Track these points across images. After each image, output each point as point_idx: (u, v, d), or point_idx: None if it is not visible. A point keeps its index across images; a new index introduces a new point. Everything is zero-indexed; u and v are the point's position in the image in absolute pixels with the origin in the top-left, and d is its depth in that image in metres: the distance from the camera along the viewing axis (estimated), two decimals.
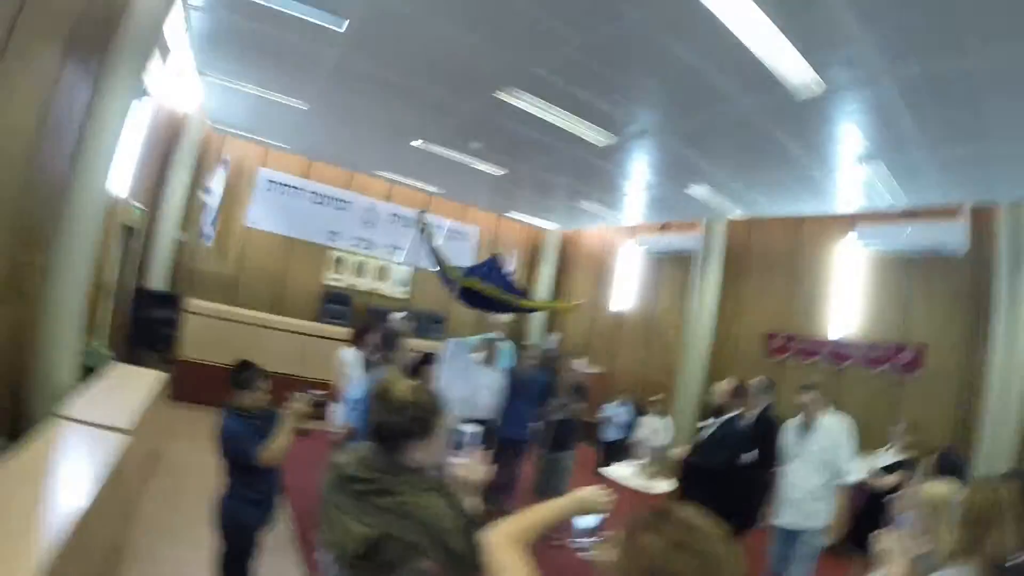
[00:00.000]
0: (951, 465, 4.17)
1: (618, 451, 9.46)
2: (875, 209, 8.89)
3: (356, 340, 6.43)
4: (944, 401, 8.45)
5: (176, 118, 9.59)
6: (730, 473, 5.48)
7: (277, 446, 3.55)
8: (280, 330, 9.95)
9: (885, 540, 2.86)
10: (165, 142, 9.66)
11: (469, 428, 2.67)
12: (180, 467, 6.28)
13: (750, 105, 6.07)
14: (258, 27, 6.24)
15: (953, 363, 8.44)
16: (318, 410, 3.94)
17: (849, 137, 6.44)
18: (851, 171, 7.42)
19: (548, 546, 5.74)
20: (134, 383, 5.88)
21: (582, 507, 1.92)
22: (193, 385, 8.43)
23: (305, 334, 10.08)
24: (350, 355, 6.29)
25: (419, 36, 5.82)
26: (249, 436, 3.56)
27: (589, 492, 1.95)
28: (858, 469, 5.66)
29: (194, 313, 9.31)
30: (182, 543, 4.75)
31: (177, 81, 7.97)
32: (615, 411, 9.84)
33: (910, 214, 8.70)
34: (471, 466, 2.32)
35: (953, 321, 8.54)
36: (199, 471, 5.60)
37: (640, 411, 9.87)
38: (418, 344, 6.73)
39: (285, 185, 12.35)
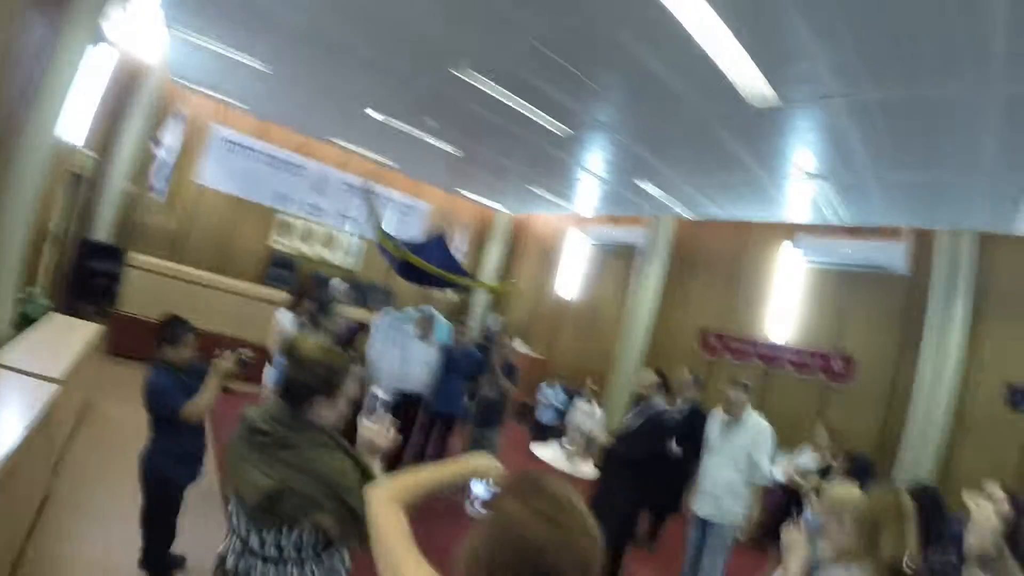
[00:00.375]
0: (861, 469, 4.41)
1: (551, 433, 9.67)
2: (819, 223, 9.15)
3: (294, 304, 6.47)
4: (869, 413, 8.83)
5: (137, 68, 9.38)
6: (653, 463, 5.63)
7: (201, 402, 3.57)
8: (222, 290, 9.84)
9: (787, 536, 3.05)
10: (124, 92, 9.48)
11: (382, 394, 2.74)
12: (111, 420, 6.25)
13: (706, 110, 6.19)
14: None
15: (881, 377, 8.81)
16: (247, 370, 3.94)
17: (799, 152, 6.61)
18: (799, 185, 7.62)
19: (445, 504, 5.83)
20: (70, 334, 5.80)
21: (471, 473, 1.86)
22: (130, 340, 8.32)
23: (247, 296, 9.98)
24: (286, 318, 6.31)
25: (386, 5, 5.78)
26: (174, 391, 3.58)
27: (479, 459, 1.90)
28: (774, 471, 5.87)
29: (137, 268, 9.14)
30: (108, 493, 4.78)
31: (140, 31, 7.83)
32: (551, 394, 10.01)
33: (853, 231, 9.02)
34: (378, 431, 2.38)
35: (885, 337, 8.89)
36: (130, 425, 5.58)
37: (575, 396, 10.06)
38: (359, 314, 6.76)
39: (240, 145, 12.18)
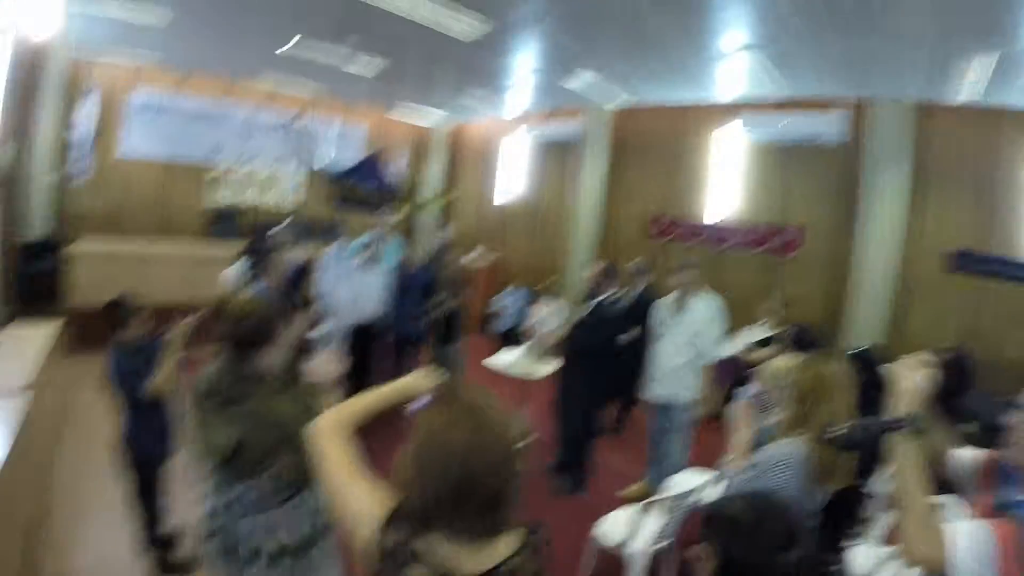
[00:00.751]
0: (805, 340, 4.55)
1: (513, 339, 9.80)
2: (756, 98, 9.14)
3: (246, 256, 6.38)
4: (818, 280, 9.11)
5: (38, 50, 8.90)
6: (609, 352, 5.75)
7: (161, 377, 3.58)
8: (168, 258, 9.65)
9: (732, 412, 3.16)
10: (29, 78, 9.02)
11: (312, 334, 2.80)
12: (93, 415, 6.08)
13: None
14: None
15: (827, 245, 9.05)
16: (201, 335, 3.84)
17: (731, 25, 6.49)
18: (733, 59, 7.53)
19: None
20: (28, 341, 5.74)
21: (407, 392, 1.96)
22: (91, 332, 7.90)
23: (194, 258, 9.77)
24: (233, 273, 6.28)
25: None
26: (134, 370, 3.61)
27: (414, 376, 2.00)
28: (724, 349, 6.03)
29: (80, 257, 8.86)
30: (109, 489, 4.66)
31: (34, 11, 7.29)
32: (507, 300, 10.09)
33: (791, 104, 9.03)
34: (323, 362, 2.47)
35: (828, 206, 9.08)
36: (103, 414, 5.65)
37: (532, 298, 10.15)
38: (306, 253, 6.64)
39: (160, 106, 11.57)
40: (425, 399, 2.23)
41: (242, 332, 2.32)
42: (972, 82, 6.75)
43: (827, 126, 8.65)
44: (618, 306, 6.09)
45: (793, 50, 6.89)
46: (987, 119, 7.82)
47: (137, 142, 11.41)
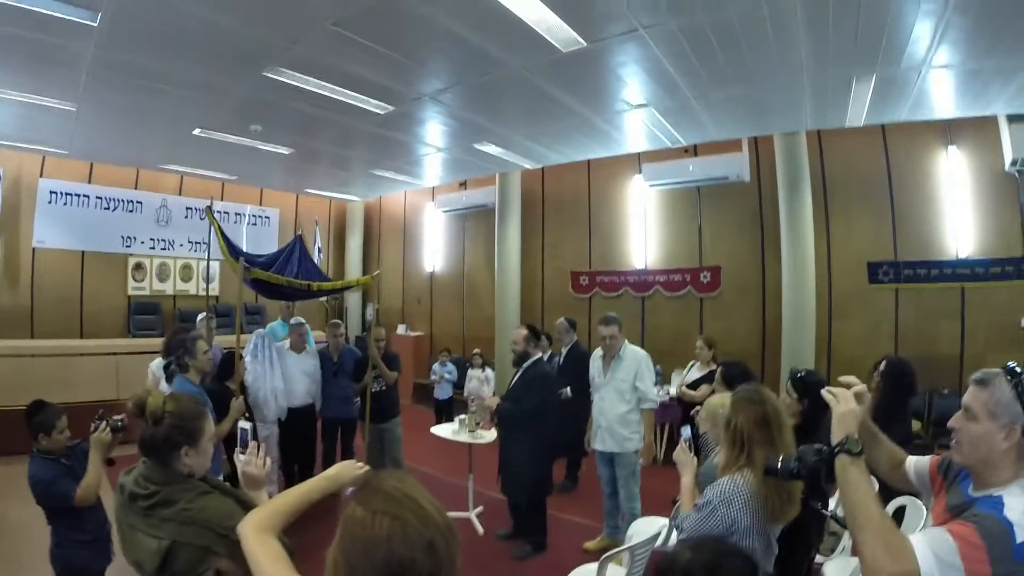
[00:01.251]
0: (734, 375, 4.60)
1: (452, 408, 9.69)
2: (659, 148, 9.38)
3: (166, 350, 6.14)
4: (744, 315, 9.40)
5: None
6: (543, 412, 5.72)
7: (88, 483, 3.39)
8: (88, 355, 9.13)
9: (676, 456, 3.15)
10: None
11: (244, 425, 2.67)
12: (13, 525, 5.84)
13: (521, 64, 6.15)
14: (6, 30, 5.66)
15: (748, 280, 9.36)
16: (127, 433, 3.56)
17: (620, 86, 6.70)
18: (628, 117, 7.77)
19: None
20: None
21: (334, 484, 1.95)
22: (11, 435, 7.51)
23: (115, 353, 9.29)
24: (156, 366, 6.05)
25: (175, 20, 5.38)
26: (60, 479, 3.41)
27: (340, 468, 2.00)
28: (660, 394, 6.08)
29: None
30: None
31: None
32: (441, 370, 10.00)
33: (693, 151, 9.39)
34: (248, 461, 2.36)
35: (744, 242, 9.43)
36: (36, 524, 5.33)
37: (465, 366, 10.10)
38: (230, 341, 6.46)
39: (69, 194, 11.06)
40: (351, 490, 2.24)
41: (165, 432, 2.18)
42: (856, 105, 7.13)
43: (730, 167, 9.01)
44: (542, 366, 6.09)
45: (683, 105, 7.18)
46: (875, 137, 8.35)
47: (48, 231, 10.87)
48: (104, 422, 3.50)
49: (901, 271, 8.32)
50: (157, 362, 6.06)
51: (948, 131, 8.00)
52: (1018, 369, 1.86)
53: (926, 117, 7.64)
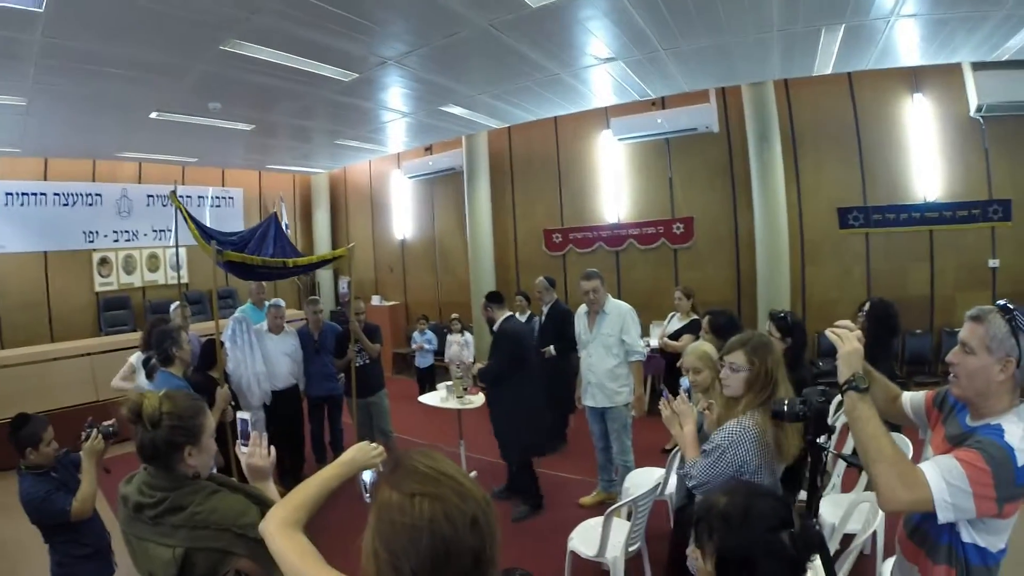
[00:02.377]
0: (720, 323, 4.67)
1: (433, 376, 9.72)
2: (627, 101, 9.36)
3: (144, 345, 5.96)
4: (718, 264, 9.51)
5: None
6: (521, 372, 5.79)
7: (84, 495, 3.27)
8: (61, 359, 8.73)
9: (667, 410, 3.19)
10: None
11: (243, 415, 2.60)
12: (8, 545, 5.64)
13: (486, 20, 6.01)
14: None
15: (721, 229, 9.45)
16: (118, 437, 3.49)
17: (587, 40, 6.61)
18: (596, 71, 7.71)
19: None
20: None
21: (351, 468, 1.91)
22: None
23: (89, 354, 8.91)
24: (136, 360, 5.93)
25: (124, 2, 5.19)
26: (52, 494, 3.26)
27: (355, 451, 1.95)
28: (648, 342, 6.14)
29: None
30: None
31: None
32: (421, 339, 9.99)
33: (662, 103, 9.40)
34: (251, 452, 2.30)
35: (715, 192, 9.50)
36: (30, 542, 5.25)
37: (443, 332, 10.10)
38: (205, 328, 6.37)
39: (25, 194, 10.63)
40: (371, 474, 2.18)
41: (163, 435, 2.07)
42: (824, 54, 7.17)
43: (699, 118, 9.01)
44: (517, 322, 6.12)
45: (652, 57, 7.12)
46: (842, 85, 8.44)
47: (5, 236, 10.47)
48: (95, 429, 3.36)
49: (870, 216, 8.48)
50: (137, 355, 5.95)
51: (914, 78, 8.10)
52: (1011, 306, 1.97)
53: (893, 65, 7.74)
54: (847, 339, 2.13)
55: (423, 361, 10.00)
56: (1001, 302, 2.00)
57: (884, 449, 1.91)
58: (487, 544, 1.28)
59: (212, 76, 6.91)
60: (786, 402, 2.26)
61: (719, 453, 2.73)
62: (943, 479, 1.82)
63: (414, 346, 10.03)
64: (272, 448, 2.33)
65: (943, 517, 1.84)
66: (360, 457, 1.92)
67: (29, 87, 6.81)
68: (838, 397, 2.42)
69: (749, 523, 1.50)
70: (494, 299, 6.04)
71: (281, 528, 1.63)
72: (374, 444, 1.98)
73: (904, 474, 1.87)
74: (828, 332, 2.21)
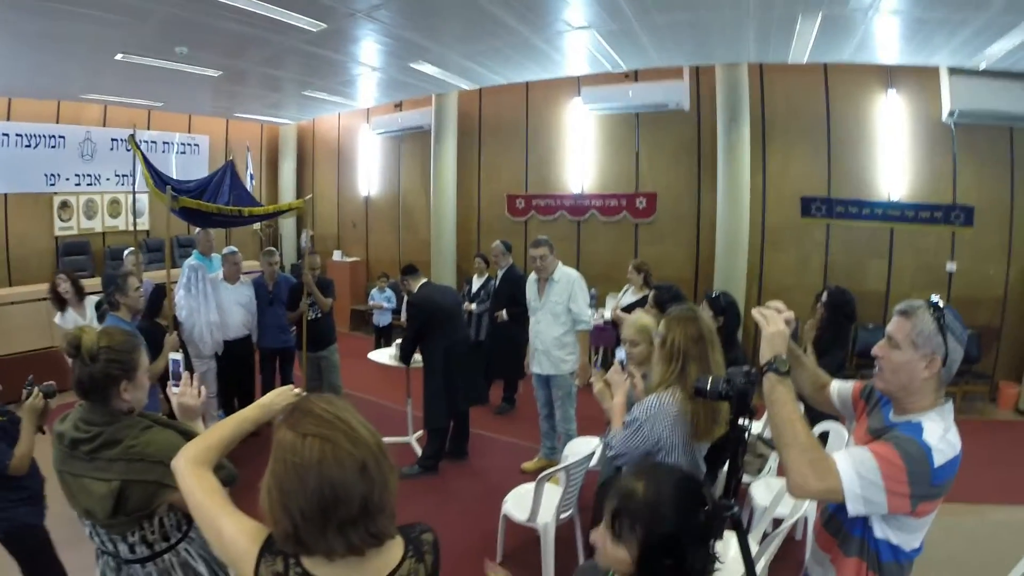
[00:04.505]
0: (665, 299, 4.69)
1: (391, 334, 9.69)
2: (600, 72, 9.26)
3: (55, 300, 6.11)
4: (678, 242, 9.57)
5: None
6: (432, 334, 5.92)
7: (22, 452, 3.18)
8: (18, 303, 8.57)
9: (599, 381, 3.22)
10: None
11: (175, 356, 2.60)
12: None
13: None
14: None
15: (685, 208, 9.49)
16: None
17: (561, 5, 6.52)
18: (569, 38, 7.62)
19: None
20: None
21: (268, 411, 1.90)
22: None
23: (46, 299, 8.59)
24: (90, 305, 5.93)
25: None
26: None
27: (274, 395, 1.95)
28: (594, 317, 6.19)
29: None
30: None
31: None
32: (380, 296, 9.94)
33: (634, 76, 9.33)
34: (183, 391, 2.31)
35: (682, 170, 9.50)
36: None
37: (401, 292, 10.06)
38: (162, 276, 6.26)
39: None
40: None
41: (101, 369, 2.11)
42: (800, 42, 7.14)
43: (670, 94, 8.99)
44: (430, 287, 6.18)
45: (625, 28, 7.04)
46: (816, 75, 8.45)
47: None
48: (35, 388, 3.26)
49: (833, 207, 8.56)
50: (94, 300, 5.91)
51: (889, 76, 8.13)
52: (940, 303, 1.94)
53: (869, 60, 7.75)
54: (772, 320, 2.12)
55: (382, 319, 9.96)
56: (933, 298, 1.98)
57: (799, 435, 1.89)
58: (376, 490, 1.30)
59: (177, 19, 6.68)
60: (709, 380, 2.26)
61: (637, 426, 2.77)
62: (855, 471, 1.81)
63: (372, 303, 9.98)
64: (202, 389, 2.35)
65: (853, 510, 1.83)
66: (279, 401, 1.91)
67: None
68: None
69: (674, 509, 1.48)
70: (407, 271, 6.12)
71: (190, 465, 1.63)
72: (297, 389, 1.98)
73: (815, 461, 1.85)
74: (754, 312, 2.19)
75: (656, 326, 3.54)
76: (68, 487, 2.14)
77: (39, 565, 3.37)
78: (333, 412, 1.35)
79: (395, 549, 1.44)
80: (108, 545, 2.18)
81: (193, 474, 1.60)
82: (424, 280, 6.07)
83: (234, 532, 1.41)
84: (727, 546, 2.90)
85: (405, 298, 6.12)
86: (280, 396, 1.93)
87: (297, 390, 1.94)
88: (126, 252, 6.83)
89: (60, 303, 6.08)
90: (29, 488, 3.33)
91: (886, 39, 6.94)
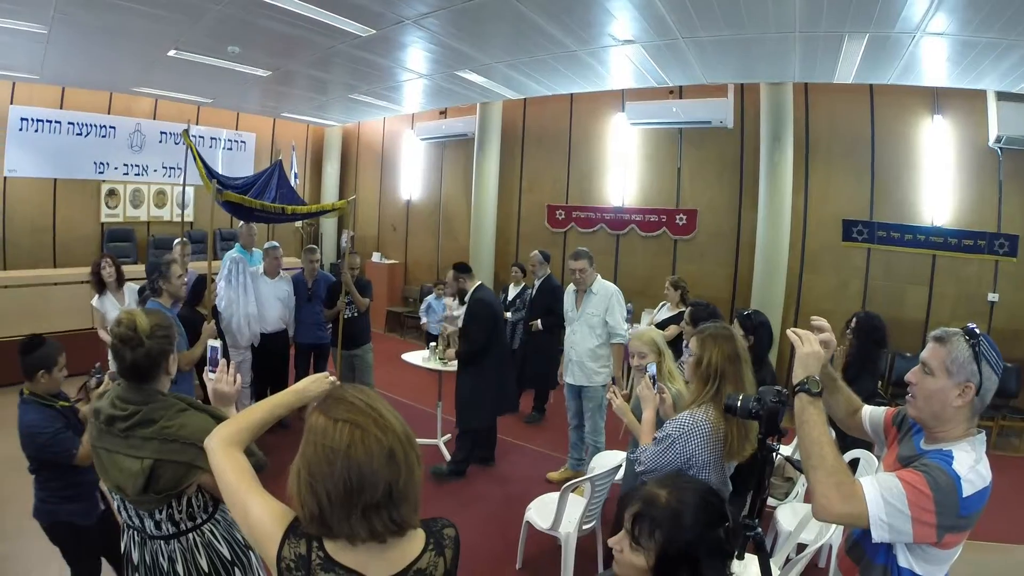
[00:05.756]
0: (703, 316, 4.68)
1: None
2: (644, 87, 9.27)
3: (96, 284, 6.21)
4: (717, 260, 9.47)
5: None
6: (494, 338, 5.91)
7: (88, 441, 2.98)
8: (61, 284, 8.91)
9: (640, 389, 3.22)
10: None
11: (214, 343, 2.66)
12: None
13: None
14: None
15: (723, 226, 9.39)
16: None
17: (607, 20, 6.52)
18: (614, 53, 7.63)
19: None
20: None
21: (300, 397, 1.92)
22: None
23: (89, 281, 8.91)
24: (130, 293, 6.07)
25: None
26: (62, 433, 3.05)
27: (308, 381, 1.97)
28: (627, 331, 6.18)
29: None
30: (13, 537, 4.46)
31: None
32: (437, 304, 9.93)
33: (679, 91, 9.28)
34: (219, 378, 2.37)
35: (722, 188, 9.42)
36: (19, 459, 5.27)
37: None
38: (204, 266, 6.38)
39: (40, 120, 10.57)
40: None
41: (155, 346, 2.20)
42: (846, 63, 7.07)
43: (714, 111, 8.92)
44: (488, 291, 6.16)
45: (671, 44, 7.04)
46: (861, 97, 8.32)
47: (20, 160, 10.46)
48: (104, 375, 3.29)
49: (875, 232, 8.41)
50: (130, 288, 6.08)
51: (936, 99, 7.97)
52: (977, 330, 1.90)
53: (915, 82, 7.59)
54: (806, 340, 2.12)
55: (437, 328, 9.95)
56: (970, 325, 1.94)
57: (826, 457, 1.87)
58: (401, 478, 1.34)
59: (230, 19, 6.83)
60: (740, 397, 2.25)
61: (669, 442, 2.76)
62: (881, 497, 1.78)
63: (426, 310, 9.79)
64: (238, 376, 2.40)
65: (877, 536, 1.80)
66: (313, 388, 1.94)
67: (50, 15, 6.76)
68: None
69: (696, 520, 1.49)
70: (464, 269, 6.08)
71: (222, 445, 1.67)
72: (331, 375, 2.00)
73: (841, 484, 1.83)
74: (789, 332, 2.19)
75: (661, 339, 3.59)
76: (101, 461, 2.20)
77: (73, 560, 3.33)
78: (365, 400, 1.40)
79: (416, 541, 1.47)
80: (135, 520, 2.25)
81: (225, 453, 1.64)
82: (479, 281, 6.09)
83: (260, 512, 1.45)
84: (748, 567, 2.90)
85: (459, 298, 6.13)
86: (315, 383, 1.95)
87: (332, 377, 1.97)
88: (176, 241, 6.96)
89: (100, 286, 6.19)
90: (82, 486, 3.24)
91: (933, 61, 6.82)
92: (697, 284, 8.18)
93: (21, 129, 10.42)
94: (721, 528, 1.50)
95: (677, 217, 9.76)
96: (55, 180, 11.00)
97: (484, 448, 6.31)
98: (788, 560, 3.50)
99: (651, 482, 1.72)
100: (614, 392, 3.19)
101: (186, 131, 5.92)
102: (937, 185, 8.09)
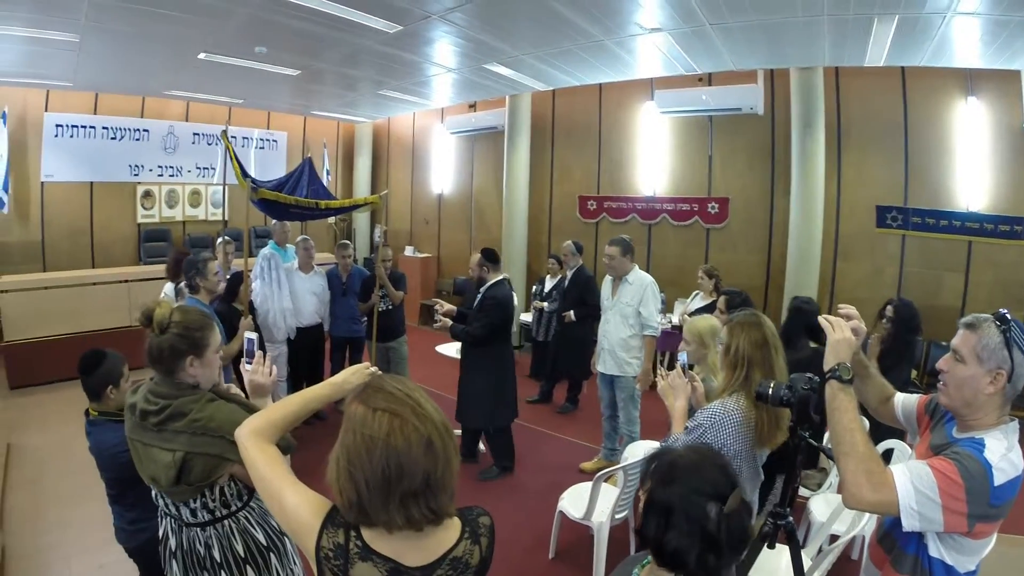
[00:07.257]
0: (737, 304, 4.68)
1: None
2: (673, 75, 9.22)
3: (171, 274, 6.24)
4: (749, 248, 9.38)
5: None
6: (504, 336, 5.95)
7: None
8: (100, 284, 9.09)
9: (663, 383, 3.22)
10: None
11: (250, 335, 2.70)
12: (38, 454, 5.99)
13: None
14: None
15: (758, 214, 9.29)
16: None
17: (633, 8, 6.49)
18: (641, 41, 7.59)
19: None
20: None
21: (338, 389, 1.88)
22: (27, 367, 7.74)
23: (128, 281, 9.30)
24: (168, 290, 6.12)
25: None
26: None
27: (347, 373, 1.93)
28: (663, 322, 6.17)
29: (8, 292, 8.15)
30: (60, 531, 4.62)
31: None
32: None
33: (708, 79, 9.21)
34: (255, 370, 2.42)
35: (753, 175, 9.32)
36: (59, 454, 5.57)
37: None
38: (241, 263, 6.49)
39: (75, 126, 10.94)
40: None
41: (172, 343, 2.24)
42: (876, 45, 6.95)
43: (744, 98, 8.82)
44: (508, 289, 6.04)
45: (699, 31, 7.00)
46: (893, 80, 8.15)
47: (57, 165, 10.82)
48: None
49: (909, 218, 8.22)
50: (169, 286, 6.13)
51: (969, 81, 7.74)
52: (1008, 316, 1.88)
53: (947, 64, 7.44)
54: (837, 327, 2.11)
55: None
56: (1001, 311, 1.91)
57: (857, 444, 1.87)
58: (439, 467, 1.37)
59: (257, 20, 6.95)
60: (771, 385, 2.26)
61: (701, 432, 2.76)
62: (912, 484, 1.78)
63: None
64: (274, 368, 2.46)
65: (908, 525, 1.80)
66: (352, 380, 1.90)
67: (81, 24, 6.94)
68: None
69: (685, 478, 1.41)
70: (491, 257, 5.98)
71: (252, 437, 1.69)
72: (371, 366, 1.97)
73: (872, 472, 1.83)
74: (821, 319, 2.18)
75: (708, 330, 3.58)
76: (137, 454, 2.27)
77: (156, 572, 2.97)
78: (403, 390, 1.43)
79: (452, 529, 1.50)
80: (171, 508, 2.31)
81: (256, 446, 1.66)
82: (503, 276, 6.01)
83: (296, 503, 1.48)
84: (779, 557, 2.90)
85: (476, 286, 6.09)
86: (355, 375, 1.91)
87: (373, 368, 1.94)
88: (219, 241, 7.07)
89: (175, 275, 6.09)
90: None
91: (965, 42, 6.65)
92: (730, 273, 8.12)
93: (56, 136, 10.78)
94: (712, 504, 1.35)
95: (709, 206, 9.70)
96: (91, 183, 11.34)
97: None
98: (820, 551, 3.49)
99: (682, 443, 1.71)
100: (662, 375, 3.18)
101: (224, 132, 6.01)
102: (972, 169, 7.86)
